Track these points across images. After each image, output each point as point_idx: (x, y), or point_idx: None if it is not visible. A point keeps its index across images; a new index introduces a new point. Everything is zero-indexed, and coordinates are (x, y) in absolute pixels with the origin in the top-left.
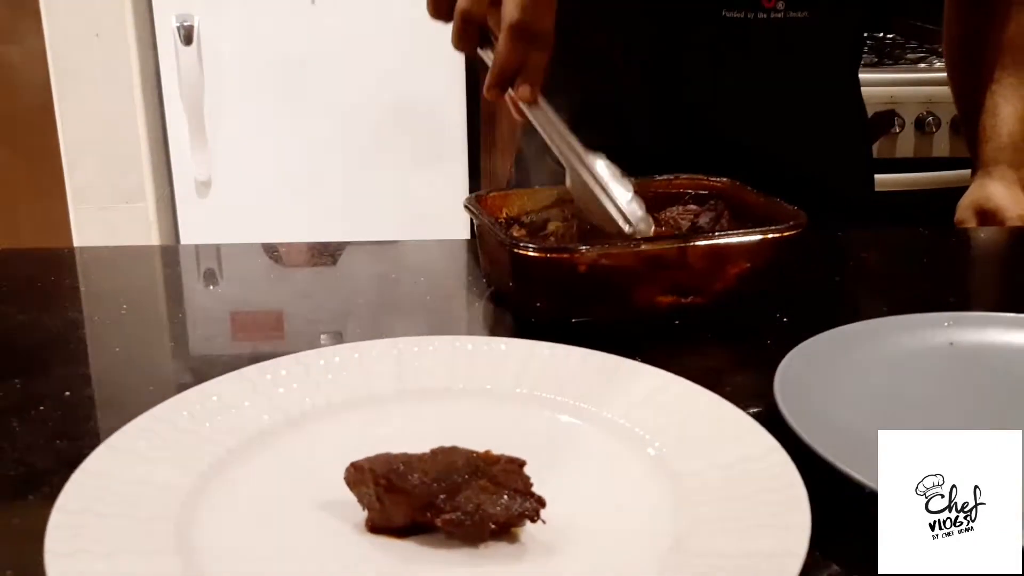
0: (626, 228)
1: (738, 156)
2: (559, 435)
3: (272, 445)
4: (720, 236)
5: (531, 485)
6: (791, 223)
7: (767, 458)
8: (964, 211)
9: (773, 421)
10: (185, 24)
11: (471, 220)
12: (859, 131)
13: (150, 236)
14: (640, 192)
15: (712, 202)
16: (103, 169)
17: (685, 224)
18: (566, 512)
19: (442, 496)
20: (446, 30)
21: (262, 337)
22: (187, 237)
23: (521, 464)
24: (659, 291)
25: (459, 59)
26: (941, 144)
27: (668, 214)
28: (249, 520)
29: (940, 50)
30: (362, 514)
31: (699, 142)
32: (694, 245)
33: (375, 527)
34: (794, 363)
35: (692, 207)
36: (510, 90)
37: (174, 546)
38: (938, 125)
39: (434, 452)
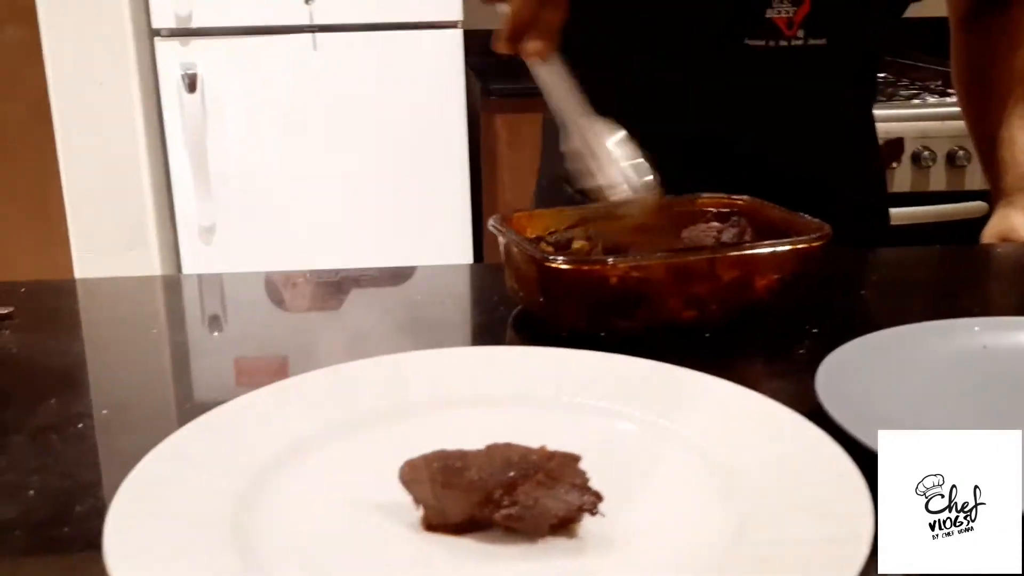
0: (623, 188)
1: (755, 182)
2: (610, 438)
3: (320, 451)
4: (749, 247)
5: (588, 480)
6: (817, 234)
7: (819, 450)
8: (989, 241)
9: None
10: (188, 72)
11: (475, 246)
12: (874, 159)
13: None
14: (662, 212)
15: (735, 219)
16: (106, 215)
17: (708, 241)
18: (623, 507)
19: (499, 491)
20: (449, 76)
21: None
22: None
23: (576, 459)
24: (689, 303)
25: (461, 101)
26: (938, 178)
27: (691, 232)
28: (303, 522)
29: (932, 87)
30: (416, 514)
31: (717, 167)
32: (723, 256)
33: (431, 525)
34: (833, 366)
35: (715, 224)
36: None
37: (232, 546)
38: (934, 160)
39: (489, 448)
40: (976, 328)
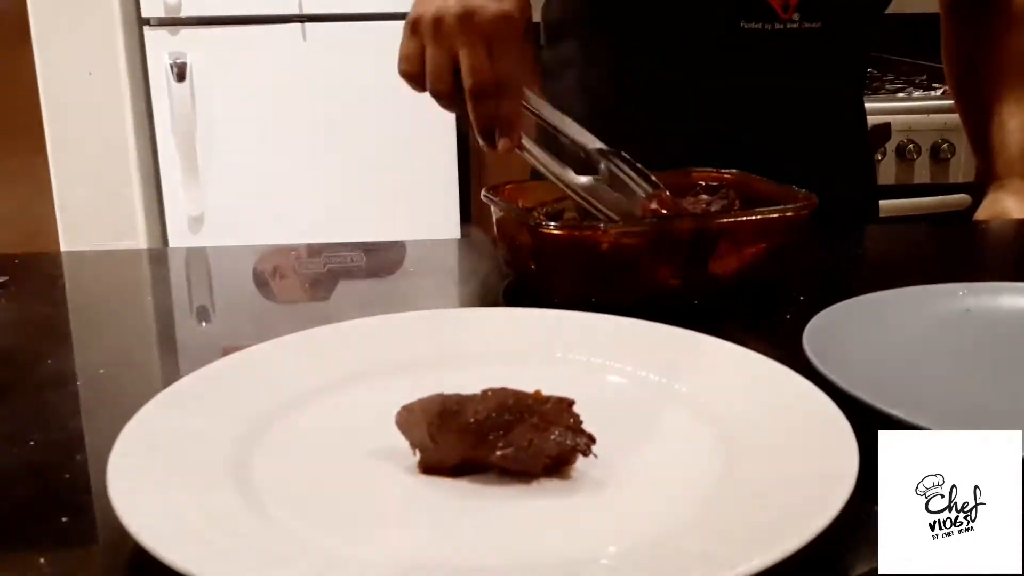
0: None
1: (745, 160)
2: (603, 389)
3: (319, 402)
4: (736, 214)
5: (581, 422)
6: (803, 203)
7: (807, 398)
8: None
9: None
10: (178, 61)
11: (462, 233)
12: (865, 145)
13: None
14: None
15: (723, 191)
16: (95, 205)
17: (698, 211)
18: (616, 451)
19: (495, 433)
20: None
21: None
22: None
23: (570, 403)
24: (679, 269)
25: None
26: (922, 171)
27: (680, 204)
28: (303, 464)
29: (916, 81)
30: (413, 459)
31: (707, 145)
32: (711, 223)
33: (428, 467)
34: (820, 325)
35: (704, 197)
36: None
37: (232, 484)
38: (919, 152)
39: (484, 393)
40: (960, 293)
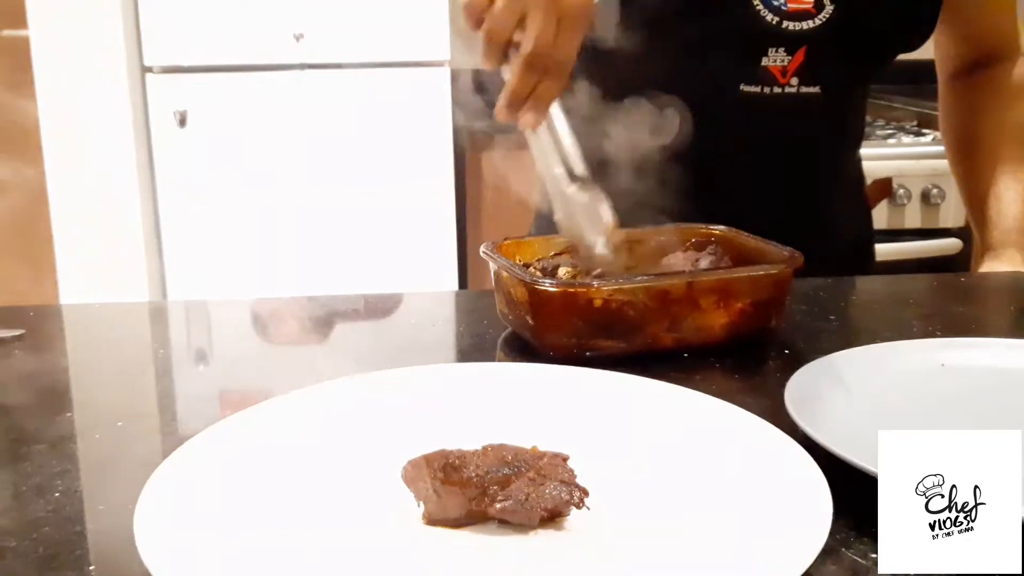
0: (594, 252)
1: (742, 214)
2: (596, 444)
3: (327, 458)
4: (724, 272)
5: (575, 477)
6: (789, 261)
7: (785, 452)
8: None
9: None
10: (179, 109)
11: (459, 283)
12: (861, 200)
13: None
14: (644, 240)
15: (711, 247)
16: (96, 253)
17: (687, 268)
18: (607, 503)
19: (495, 487)
20: (435, 114)
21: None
22: None
23: (565, 458)
24: (669, 324)
25: (447, 139)
26: (913, 215)
27: (670, 260)
28: (314, 516)
29: (907, 127)
30: (418, 510)
31: (706, 198)
32: (700, 280)
33: (432, 519)
34: (801, 380)
35: (692, 253)
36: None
37: (250, 533)
38: (910, 198)
39: (485, 449)
40: (935, 347)
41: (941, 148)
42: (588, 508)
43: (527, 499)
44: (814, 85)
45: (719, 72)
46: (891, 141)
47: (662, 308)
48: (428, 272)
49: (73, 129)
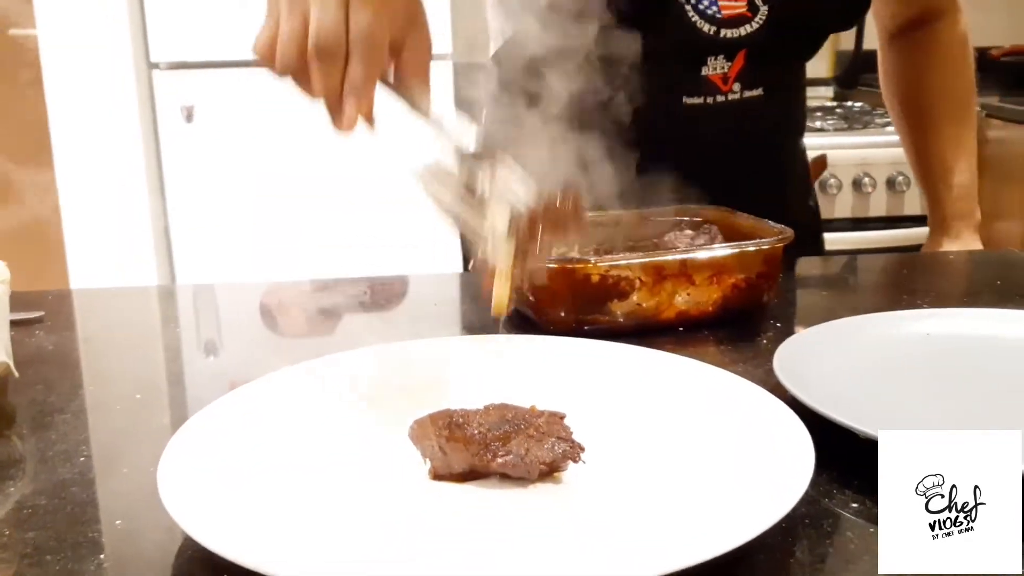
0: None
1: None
2: (592, 406)
3: (338, 421)
4: (718, 248)
5: (571, 434)
6: (780, 236)
7: (771, 411)
8: None
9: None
10: (186, 104)
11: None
12: (805, 179)
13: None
14: (637, 222)
15: (705, 226)
16: (104, 249)
17: (682, 247)
18: (602, 458)
19: (496, 443)
20: (439, 107)
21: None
22: None
23: (562, 416)
24: (665, 299)
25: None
26: (878, 204)
27: (666, 239)
28: (329, 472)
29: (875, 112)
30: (424, 466)
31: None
32: (695, 257)
33: (438, 474)
34: (790, 348)
35: (688, 232)
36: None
37: (270, 487)
38: (874, 186)
39: (487, 408)
40: (920, 317)
41: None
42: (584, 463)
43: (527, 454)
44: (756, 88)
45: (660, 86)
46: (855, 128)
47: (657, 284)
48: (433, 259)
49: (81, 126)
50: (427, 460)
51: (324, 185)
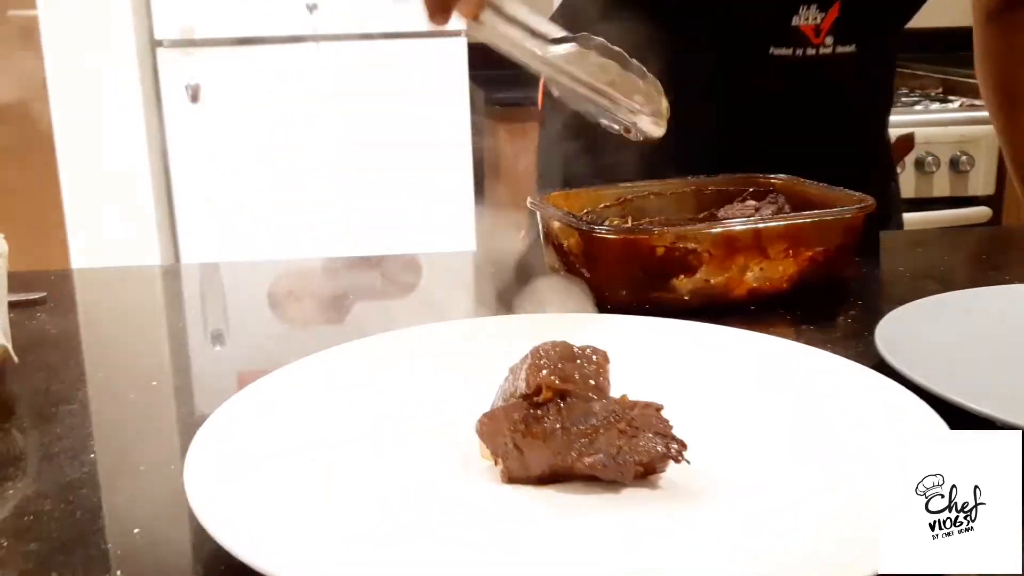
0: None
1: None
2: (682, 394)
3: (383, 411)
4: (794, 216)
5: (671, 428)
6: (862, 204)
7: (893, 399)
8: None
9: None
10: (191, 83)
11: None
12: (888, 156)
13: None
14: (699, 190)
15: (773, 195)
16: (108, 230)
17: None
18: (705, 457)
19: (582, 440)
20: (452, 85)
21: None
22: None
23: (658, 408)
24: (734, 274)
25: (465, 110)
26: (941, 184)
27: (728, 211)
28: (378, 474)
29: (932, 94)
30: (494, 469)
31: (734, 160)
32: (770, 227)
33: (512, 477)
34: (892, 324)
35: (751, 203)
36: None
37: (310, 489)
38: (938, 165)
39: (568, 398)
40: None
41: (968, 114)
42: (688, 462)
43: (619, 452)
44: (850, 44)
45: (747, 35)
46: (918, 108)
47: (728, 257)
48: (446, 247)
49: (83, 106)
50: (498, 460)
51: (334, 167)
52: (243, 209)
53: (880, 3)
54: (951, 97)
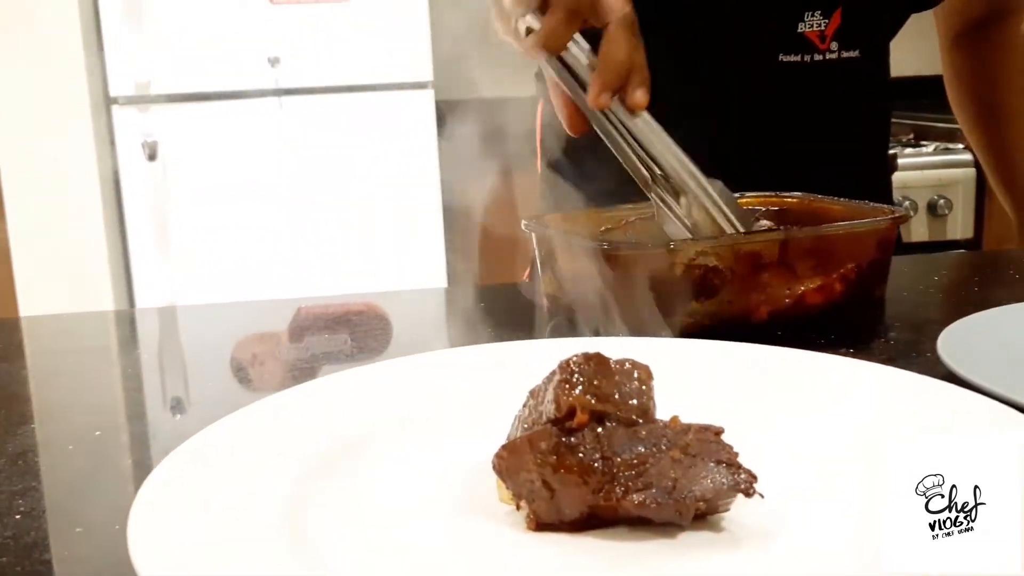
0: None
1: (774, 182)
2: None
3: (373, 449)
4: (825, 228)
5: (736, 455)
6: (895, 215)
7: (972, 411)
8: None
9: None
10: (149, 140)
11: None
12: (885, 163)
13: None
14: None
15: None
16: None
17: None
18: (777, 493)
19: (628, 472)
20: (420, 137)
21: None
22: None
23: (718, 432)
24: (760, 295)
25: (434, 162)
26: (919, 229)
27: None
28: (370, 528)
29: (904, 140)
30: (517, 514)
31: (737, 167)
32: (797, 239)
33: (541, 523)
34: (953, 337)
35: (765, 223)
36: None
37: (282, 548)
38: (915, 210)
39: (606, 423)
40: None
41: (944, 158)
42: (762, 496)
43: (675, 487)
44: (853, 49)
45: (756, 43)
46: (890, 153)
47: (752, 276)
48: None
49: (34, 167)
50: (522, 504)
51: (301, 222)
52: (203, 267)
53: (879, 8)
54: (923, 142)
